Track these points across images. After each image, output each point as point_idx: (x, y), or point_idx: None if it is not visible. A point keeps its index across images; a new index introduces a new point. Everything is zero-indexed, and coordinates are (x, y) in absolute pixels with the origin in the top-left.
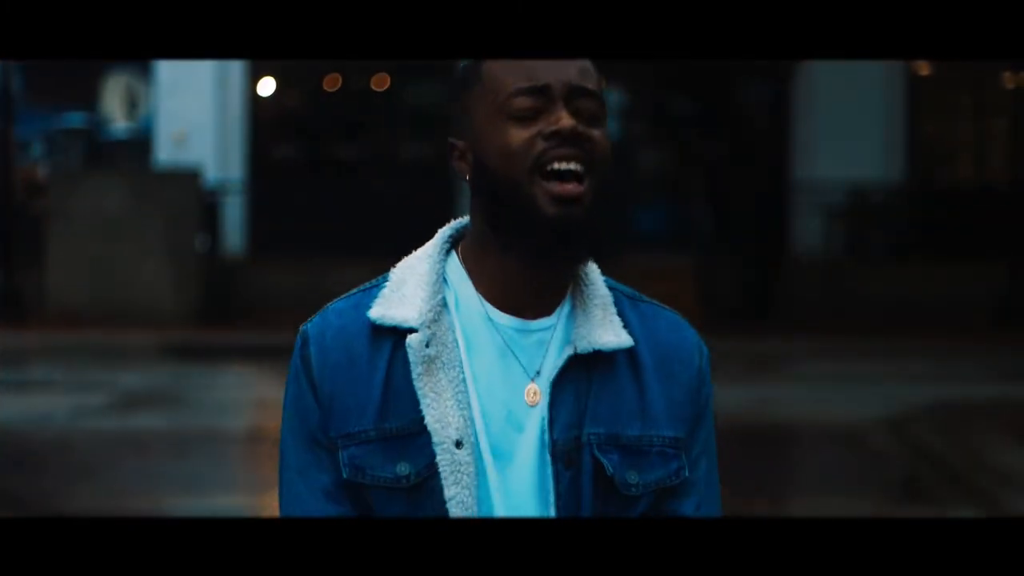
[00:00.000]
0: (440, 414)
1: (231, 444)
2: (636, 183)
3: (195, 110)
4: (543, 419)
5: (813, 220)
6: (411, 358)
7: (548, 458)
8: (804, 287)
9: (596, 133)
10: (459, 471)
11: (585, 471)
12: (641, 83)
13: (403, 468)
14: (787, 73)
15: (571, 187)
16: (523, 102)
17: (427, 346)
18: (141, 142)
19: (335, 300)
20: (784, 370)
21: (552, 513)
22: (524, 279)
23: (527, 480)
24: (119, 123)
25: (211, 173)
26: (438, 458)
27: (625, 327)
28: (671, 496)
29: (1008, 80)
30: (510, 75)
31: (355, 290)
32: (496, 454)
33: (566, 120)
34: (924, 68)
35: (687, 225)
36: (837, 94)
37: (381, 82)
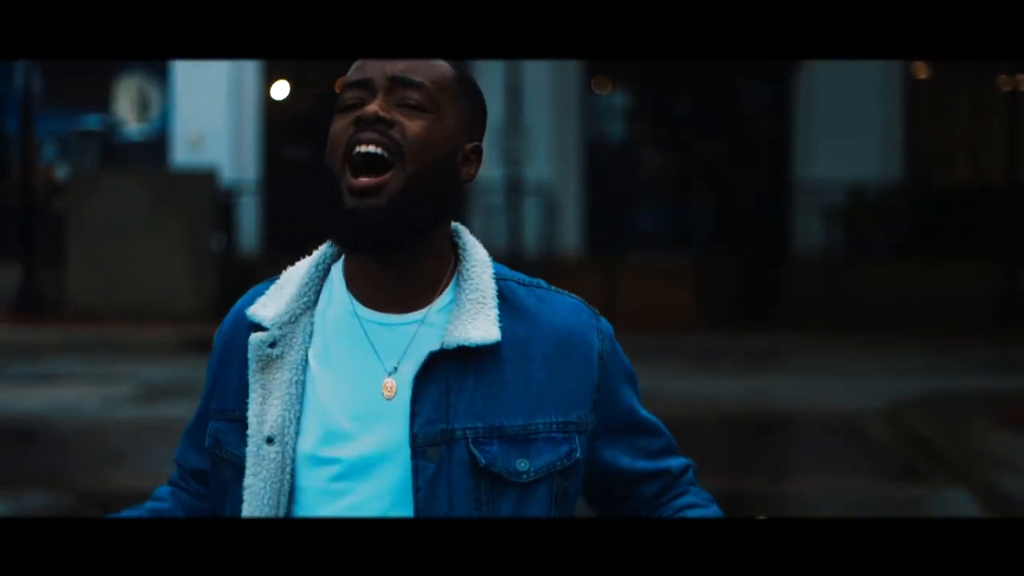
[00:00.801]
0: (260, 410)
1: None
2: (638, 183)
3: (210, 112)
4: (405, 413)
5: (813, 219)
6: (249, 355)
7: (408, 451)
8: (804, 285)
9: (411, 121)
10: (260, 464)
11: (457, 465)
12: (643, 84)
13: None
14: (787, 74)
15: (365, 180)
16: (349, 94)
17: (272, 346)
18: (154, 143)
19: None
20: (783, 364)
21: (411, 505)
22: (371, 273)
23: (384, 475)
24: (131, 125)
25: (226, 174)
26: (247, 449)
27: (512, 316)
28: (581, 471)
29: (1005, 82)
30: (348, 74)
31: (260, 283)
32: (344, 447)
33: (371, 106)
34: (922, 70)
35: (689, 224)
36: (837, 95)
37: None
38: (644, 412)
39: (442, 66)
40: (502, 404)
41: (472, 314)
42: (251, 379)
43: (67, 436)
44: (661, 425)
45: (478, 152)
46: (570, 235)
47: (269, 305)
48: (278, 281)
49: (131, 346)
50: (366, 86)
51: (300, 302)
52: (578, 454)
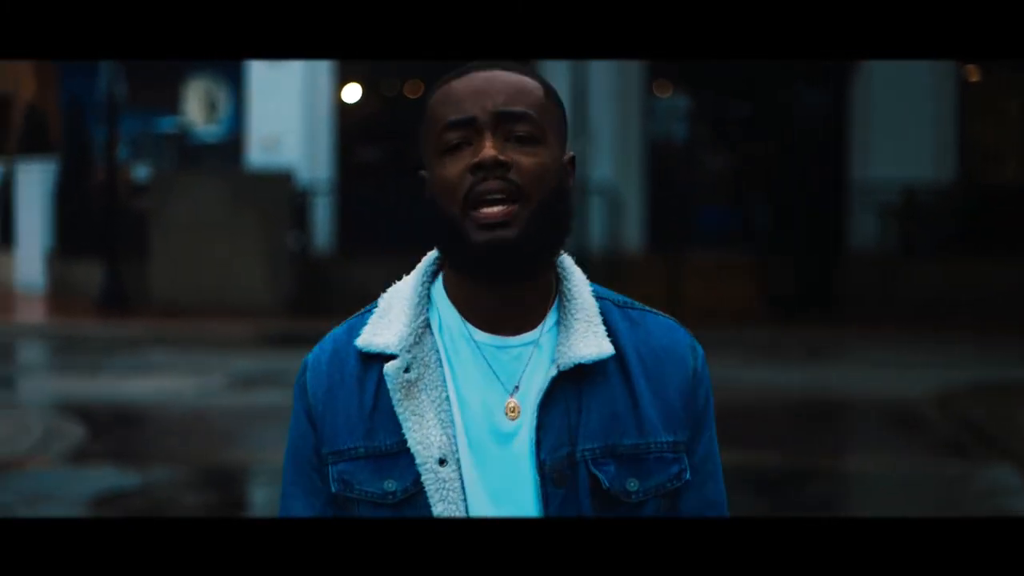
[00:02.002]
0: (422, 436)
1: None
2: (698, 183)
3: (285, 115)
4: (531, 440)
5: (868, 218)
6: (389, 385)
7: (537, 479)
8: (859, 281)
9: (525, 157)
10: (444, 488)
11: (581, 488)
12: (702, 88)
13: (390, 484)
14: (843, 78)
15: (496, 210)
16: (452, 135)
17: (406, 371)
18: (226, 145)
19: (334, 328)
20: (840, 355)
21: None
22: (488, 299)
23: (517, 498)
24: (199, 126)
25: (300, 175)
26: (423, 477)
27: (611, 335)
28: (677, 497)
29: None
30: (441, 109)
31: (352, 316)
32: (482, 470)
33: (487, 151)
34: (973, 73)
35: (748, 222)
36: (891, 98)
37: None
38: (716, 448)
39: (535, 87)
40: (615, 423)
41: (581, 332)
42: (399, 408)
43: (174, 420)
44: (720, 471)
45: (573, 162)
46: (633, 233)
47: (383, 332)
48: (379, 309)
49: (215, 339)
50: (471, 125)
51: (419, 322)
52: (687, 475)
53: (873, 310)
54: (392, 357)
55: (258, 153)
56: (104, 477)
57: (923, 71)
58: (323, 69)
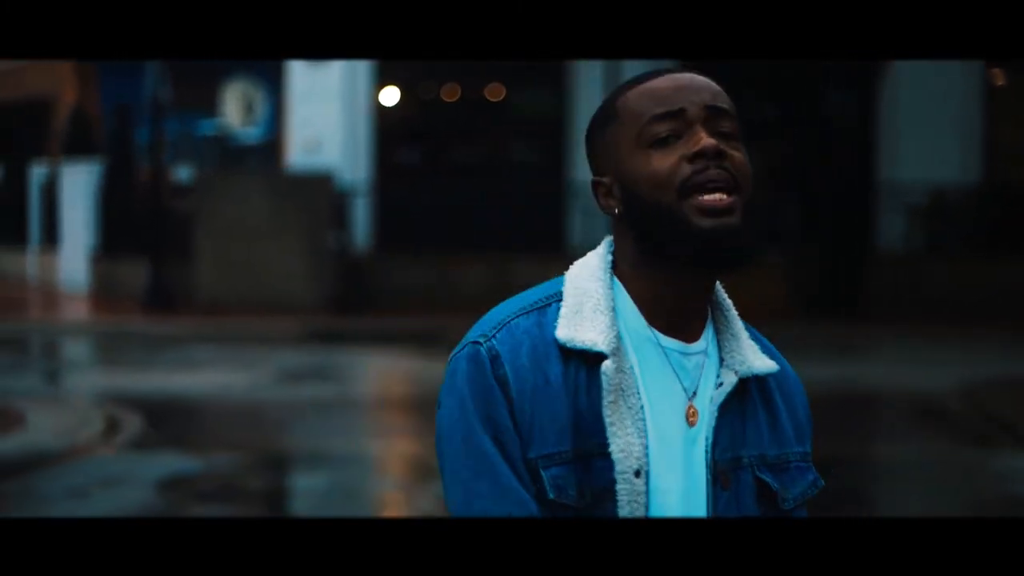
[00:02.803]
0: (624, 443)
1: (390, 407)
2: None
3: (325, 117)
4: (706, 440)
5: (896, 218)
6: (604, 385)
7: (707, 479)
8: (887, 280)
9: (733, 151)
10: (635, 500)
11: (745, 491)
12: (735, 89)
13: (599, 486)
14: (872, 80)
15: (718, 197)
16: (662, 127)
17: (619, 371)
18: (265, 146)
19: (510, 314)
20: (868, 351)
21: None
22: (678, 302)
23: (687, 501)
24: (237, 127)
25: (340, 176)
26: (618, 486)
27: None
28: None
29: None
30: (645, 105)
31: (525, 305)
32: (670, 477)
33: (707, 140)
34: (999, 76)
35: (778, 222)
36: (918, 100)
37: (495, 92)
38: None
39: (725, 94)
40: (762, 434)
41: (747, 342)
42: (607, 411)
43: (227, 411)
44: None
45: None
46: None
47: (587, 328)
48: (567, 304)
49: (260, 335)
50: (681, 117)
51: (617, 325)
52: (821, 483)
53: (900, 308)
54: (598, 356)
55: (299, 155)
56: (168, 462)
57: (950, 73)
58: (362, 73)
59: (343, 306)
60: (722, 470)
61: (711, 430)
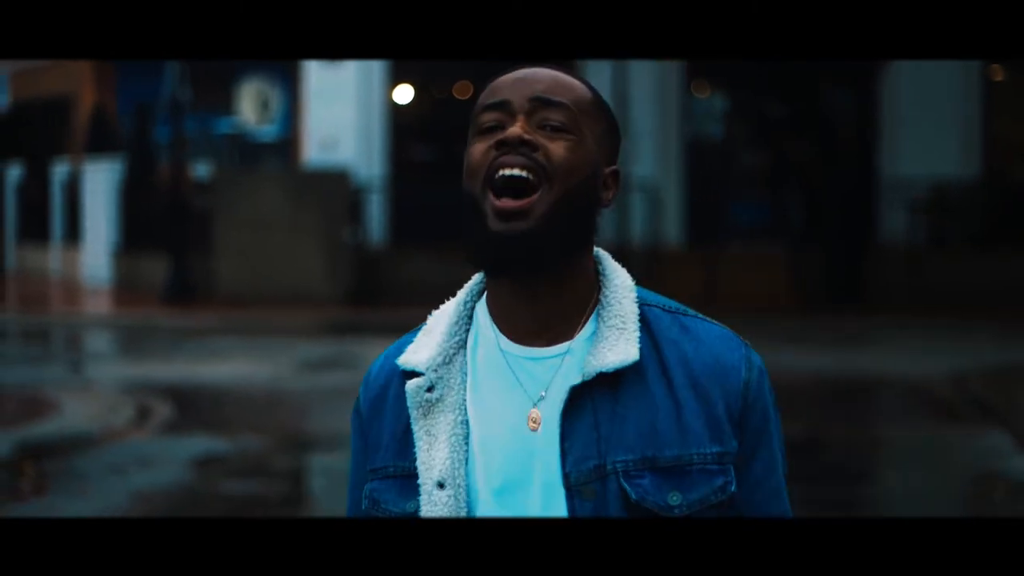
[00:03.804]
0: (427, 457)
1: None
2: (734, 180)
3: (340, 115)
4: (557, 451)
5: (897, 213)
6: (408, 403)
7: (565, 491)
8: (887, 273)
9: (554, 143)
10: (434, 511)
11: (612, 501)
12: (738, 88)
13: (412, 505)
14: (873, 78)
15: (509, 202)
16: (487, 117)
17: (429, 390)
18: (281, 144)
19: (397, 344)
20: (866, 342)
21: None
22: (516, 307)
23: (548, 511)
24: (252, 126)
25: (355, 173)
26: (420, 498)
27: (655, 343)
28: (724, 512)
29: None
30: (483, 96)
31: (408, 333)
32: (503, 488)
33: (514, 129)
34: (998, 72)
35: (781, 217)
36: (919, 97)
37: None
38: (781, 467)
39: (579, 86)
40: (654, 434)
41: (612, 341)
42: (415, 427)
43: (252, 398)
44: (784, 489)
45: (616, 176)
46: (672, 228)
47: (420, 351)
48: (425, 327)
49: (279, 327)
50: (505, 108)
51: (452, 342)
52: (732, 487)
53: (900, 301)
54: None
55: (315, 152)
56: (199, 444)
57: (949, 71)
58: (376, 72)
59: (359, 299)
60: (580, 480)
61: (558, 438)
